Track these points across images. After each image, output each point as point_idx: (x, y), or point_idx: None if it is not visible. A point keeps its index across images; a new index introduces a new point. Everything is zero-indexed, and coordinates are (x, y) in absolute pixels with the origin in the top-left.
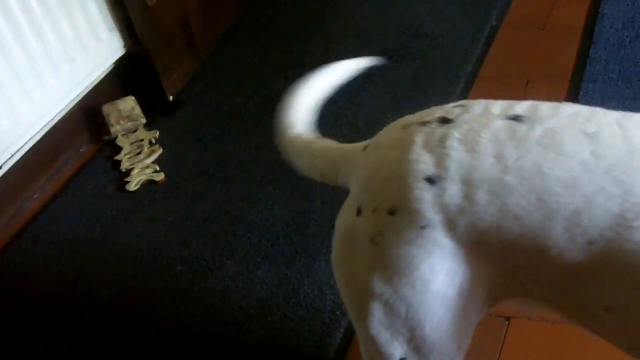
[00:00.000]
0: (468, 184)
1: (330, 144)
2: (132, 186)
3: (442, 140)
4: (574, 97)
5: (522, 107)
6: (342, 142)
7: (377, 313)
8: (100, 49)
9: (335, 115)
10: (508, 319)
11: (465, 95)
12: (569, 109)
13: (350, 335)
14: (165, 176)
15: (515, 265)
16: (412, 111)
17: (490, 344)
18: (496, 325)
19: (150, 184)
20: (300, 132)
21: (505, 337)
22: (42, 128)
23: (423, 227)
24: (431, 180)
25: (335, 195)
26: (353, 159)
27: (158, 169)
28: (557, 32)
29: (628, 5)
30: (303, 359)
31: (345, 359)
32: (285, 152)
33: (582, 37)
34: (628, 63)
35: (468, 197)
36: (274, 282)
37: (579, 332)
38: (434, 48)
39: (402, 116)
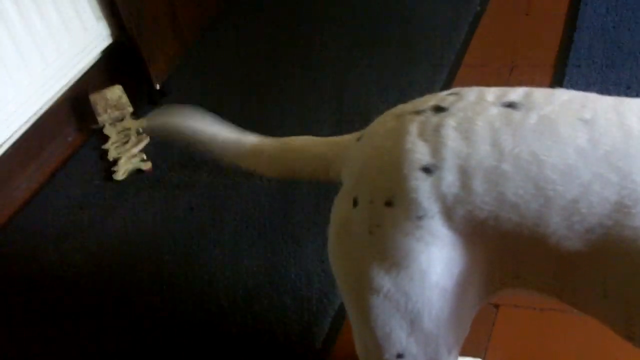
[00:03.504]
0: (464, 172)
1: (311, 139)
2: (119, 175)
3: (437, 129)
4: (558, 82)
5: (516, 93)
6: (326, 128)
7: (376, 306)
8: (87, 37)
9: (320, 100)
10: (496, 306)
11: (450, 81)
12: (564, 95)
13: (338, 323)
14: (152, 165)
15: (513, 254)
16: (397, 97)
17: (479, 331)
18: (485, 313)
19: (136, 172)
20: (256, 139)
21: (494, 324)
22: (29, 117)
23: (420, 217)
24: (427, 170)
25: (320, 183)
26: (345, 151)
27: (145, 157)
28: (541, 17)
29: None
30: (290, 348)
31: (332, 347)
32: (250, 167)
33: (566, 22)
34: (612, 47)
35: (465, 186)
36: (260, 270)
37: (567, 319)
38: (417, 34)
39: (386, 102)
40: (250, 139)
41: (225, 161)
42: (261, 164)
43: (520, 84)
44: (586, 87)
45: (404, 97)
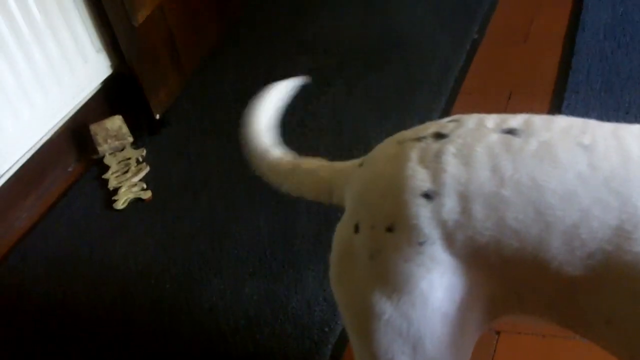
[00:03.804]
0: (464, 198)
1: (320, 162)
2: (120, 204)
3: (437, 155)
4: (557, 108)
5: (516, 120)
6: (326, 156)
7: (378, 331)
8: (88, 69)
9: (318, 129)
10: (498, 332)
11: (448, 108)
12: (563, 122)
13: (339, 351)
14: (152, 194)
15: (514, 279)
16: (396, 125)
17: (480, 357)
18: (486, 339)
19: (137, 201)
20: (279, 154)
21: (495, 350)
22: (30, 148)
23: (421, 243)
24: (427, 196)
25: (320, 209)
26: (347, 177)
27: (145, 186)
28: (538, 43)
29: (608, 15)
30: None
31: None
32: (266, 176)
33: (563, 48)
34: (610, 73)
35: (465, 211)
36: (261, 297)
37: (569, 346)
38: (416, 61)
39: (386, 129)
40: (274, 153)
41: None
42: (275, 179)
43: (518, 110)
44: (585, 112)
45: (403, 125)
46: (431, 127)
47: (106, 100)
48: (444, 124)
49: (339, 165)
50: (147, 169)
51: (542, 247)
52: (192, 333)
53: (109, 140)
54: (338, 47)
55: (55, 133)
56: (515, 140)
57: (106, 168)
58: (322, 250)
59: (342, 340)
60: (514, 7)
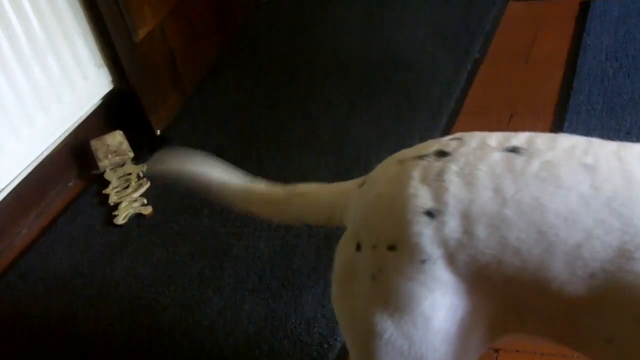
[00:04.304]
0: (467, 217)
1: (317, 186)
2: (120, 219)
3: (440, 174)
4: (558, 129)
5: (518, 139)
6: (327, 174)
7: (379, 350)
8: (88, 85)
9: (319, 147)
10: (496, 350)
11: (449, 129)
12: (566, 141)
13: None
14: (153, 209)
15: (516, 298)
16: (396, 144)
17: None
18: (485, 358)
19: (137, 217)
20: (265, 187)
21: None
22: (31, 163)
23: (423, 262)
24: (430, 215)
25: (320, 228)
26: (348, 196)
27: (145, 202)
28: (540, 64)
29: (610, 36)
30: None
31: None
32: (257, 212)
33: (565, 69)
34: (611, 94)
35: (467, 231)
36: (260, 315)
37: None
38: (416, 81)
39: (386, 149)
40: (259, 187)
41: (233, 207)
42: (270, 211)
43: (519, 131)
44: (586, 133)
45: (403, 144)
46: (433, 145)
47: (106, 116)
48: (446, 142)
49: (339, 186)
50: (148, 184)
51: (544, 267)
52: (192, 351)
53: (109, 156)
54: (339, 66)
55: (56, 149)
56: (518, 160)
57: (107, 183)
58: (322, 269)
59: (341, 358)
60: (516, 28)
